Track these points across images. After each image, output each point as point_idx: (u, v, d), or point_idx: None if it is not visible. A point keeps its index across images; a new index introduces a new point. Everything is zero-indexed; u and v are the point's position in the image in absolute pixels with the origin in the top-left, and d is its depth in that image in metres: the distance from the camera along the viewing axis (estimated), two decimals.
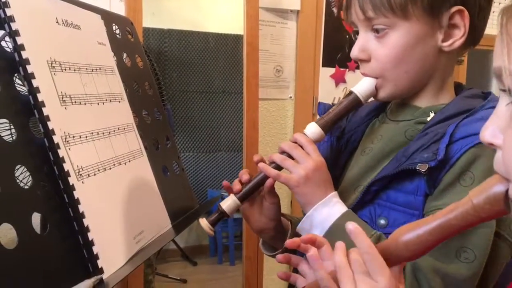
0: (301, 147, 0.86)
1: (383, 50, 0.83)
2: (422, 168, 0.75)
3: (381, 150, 0.88)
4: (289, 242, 0.70)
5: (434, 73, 0.86)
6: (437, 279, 0.73)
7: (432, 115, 0.85)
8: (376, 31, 0.83)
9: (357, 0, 0.84)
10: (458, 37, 0.82)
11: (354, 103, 0.88)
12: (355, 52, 0.86)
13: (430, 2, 0.80)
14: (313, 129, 0.88)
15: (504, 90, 0.49)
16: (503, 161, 0.49)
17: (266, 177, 0.88)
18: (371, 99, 0.90)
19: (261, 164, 0.88)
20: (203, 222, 0.90)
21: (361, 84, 0.88)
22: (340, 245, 0.61)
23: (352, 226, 0.60)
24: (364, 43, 0.85)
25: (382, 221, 0.82)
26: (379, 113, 0.97)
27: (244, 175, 0.91)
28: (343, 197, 0.87)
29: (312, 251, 0.65)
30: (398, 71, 0.84)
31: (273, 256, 0.92)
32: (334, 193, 0.85)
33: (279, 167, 0.87)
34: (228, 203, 0.90)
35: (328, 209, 0.83)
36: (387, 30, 0.82)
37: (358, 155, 0.93)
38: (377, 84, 0.86)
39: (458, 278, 0.73)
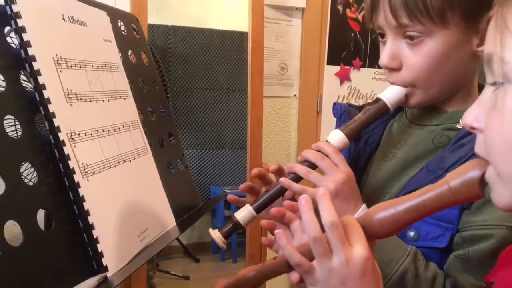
0: (327, 156, 0.80)
1: (417, 59, 0.78)
2: None
3: (406, 157, 0.84)
4: (275, 211, 0.70)
5: (466, 78, 0.83)
6: None
7: (462, 122, 0.81)
8: (409, 37, 0.78)
9: (388, 5, 0.78)
10: None
11: (382, 111, 0.83)
12: (384, 60, 0.81)
13: (470, 8, 0.76)
14: (337, 137, 0.82)
15: (491, 84, 0.49)
16: (485, 143, 0.49)
17: (285, 188, 0.83)
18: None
19: (282, 179, 0.82)
20: (216, 234, 0.83)
21: (390, 91, 0.83)
22: (307, 209, 0.58)
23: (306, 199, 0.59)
24: (395, 50, 0.80)
25: (412, 234, 0.78)
26: (396, 113, 0.93)
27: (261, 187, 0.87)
28: (367, 206, 0.82)
29: (295, 224, 0.65)
30: (431, 80, 0.80)
31: None
32: (364, 205, 0.81)
33: (299, 177, 0.82)
34: (243, 213, 0.83)
35: None
36: (422, 38, 0.77)
37: (380, 161, 0.89)
38: (407, 92, 0.82)
39: None
